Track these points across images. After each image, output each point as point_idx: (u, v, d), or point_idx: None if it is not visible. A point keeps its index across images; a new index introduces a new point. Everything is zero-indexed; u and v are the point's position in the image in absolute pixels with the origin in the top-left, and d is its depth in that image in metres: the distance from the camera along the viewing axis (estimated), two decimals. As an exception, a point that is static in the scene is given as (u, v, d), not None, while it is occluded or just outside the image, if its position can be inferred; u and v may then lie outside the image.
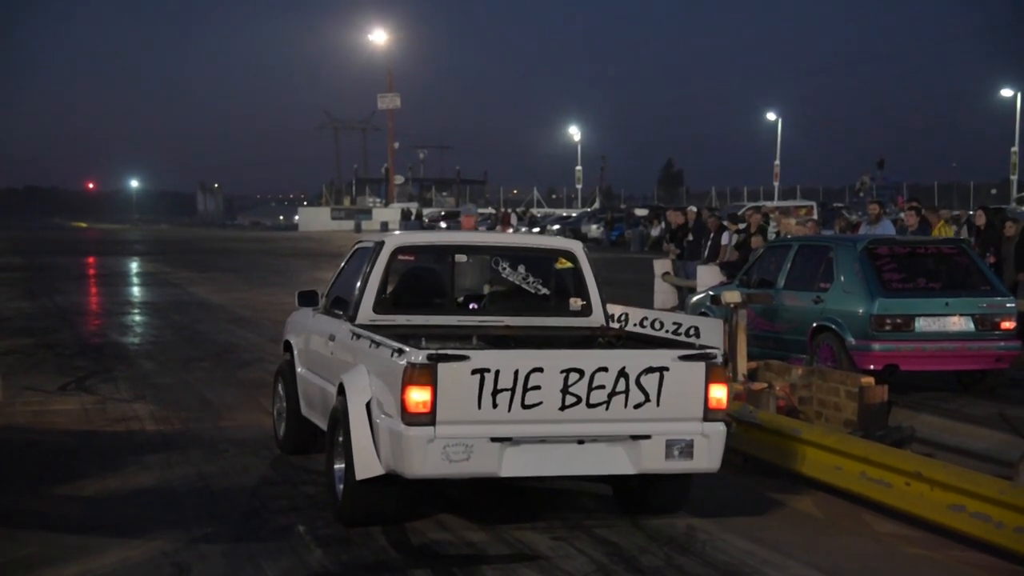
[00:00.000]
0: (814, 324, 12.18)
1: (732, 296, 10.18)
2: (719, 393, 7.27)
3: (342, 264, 9.35)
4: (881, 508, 7.75)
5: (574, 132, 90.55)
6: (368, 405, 7.32)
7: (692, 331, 11.01)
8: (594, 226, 58.40)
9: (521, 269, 8.86)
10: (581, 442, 7.15)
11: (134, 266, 37.91)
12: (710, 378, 7.24)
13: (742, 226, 18.20)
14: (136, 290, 27.85)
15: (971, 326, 11.79)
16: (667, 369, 7.14)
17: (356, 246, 9.30)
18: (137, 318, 20.94)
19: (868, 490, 7.76)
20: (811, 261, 12.81)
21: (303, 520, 7.58)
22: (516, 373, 6.92)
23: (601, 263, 39.83)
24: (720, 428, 7.30)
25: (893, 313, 11.61)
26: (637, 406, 7.11)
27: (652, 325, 11.58)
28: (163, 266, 37.37)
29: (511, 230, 59.98)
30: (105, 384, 13.09)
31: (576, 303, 8.83)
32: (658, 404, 7.14)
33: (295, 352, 9.61)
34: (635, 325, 10.94)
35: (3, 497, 8.04)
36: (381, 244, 8.59)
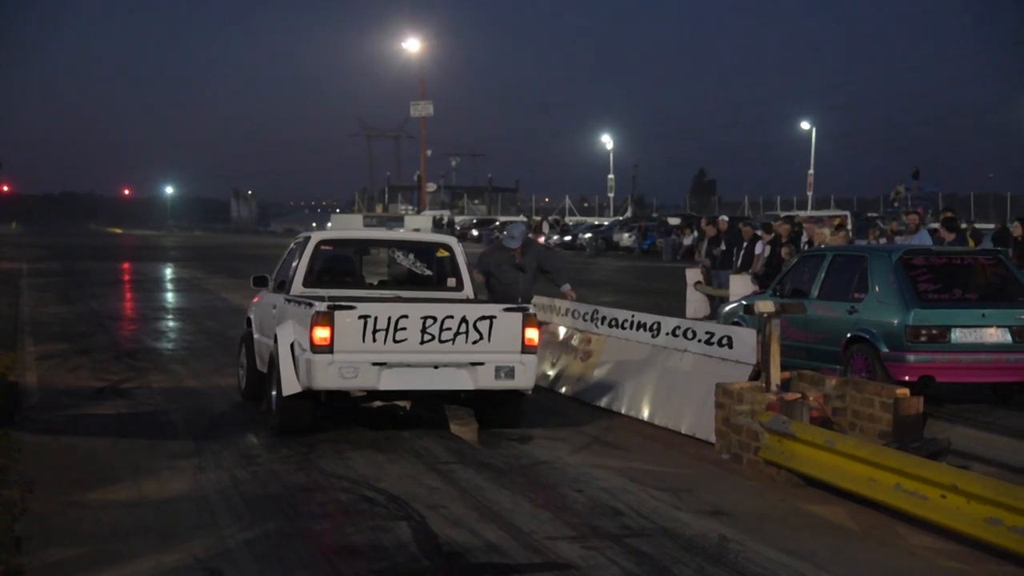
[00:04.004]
0: (848, 334, 12.09)
1: (765, 306, 10.10)
2: (532, 334, 10.28)
3: (284, 254, 12.14)
4: (916, 521, 7.67)
5: (606, 140, 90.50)
6: (292, 345, 10.13)
7: (725, 341, 10.98)
8: (626, 235, 58.09)
9: (411, 257, 11.82)
10: (436, 367, 10.08)
11: (168, 272, 38.19)
12: (525, 324, 10.23)
13: (773, 235, 18.05)
14: (170, 296, 28.05)
15: (1008, 338, 11.65)
16: (495, 317, 10.15)
17: (294, 241, 12.17)
18: (171, 324, 21.10)
19: (903, 502, 7.68)
20: (845, 271, 12.70)
21: (335, 528, 7.60)
22: (389, 319, 9.87)
23: (633, 272, 39.87)
24: (532, 358, 10.27)
25: (928, 324, 11.49)
26: (475, 342, 10.08)
27: (684, 334, 11.56)
28: (197, 272, 37.62)
29: (543, 239, 60.12)
30: (139, 389, 13.19)
31: (451, 281, 11.73)
32: (489, 341, 10.10)
33: (253, 324, 12.24)
34: (667, 335, 11.79)
35: (38, 502, 8.11)
36: (308, 238, 11.59)
